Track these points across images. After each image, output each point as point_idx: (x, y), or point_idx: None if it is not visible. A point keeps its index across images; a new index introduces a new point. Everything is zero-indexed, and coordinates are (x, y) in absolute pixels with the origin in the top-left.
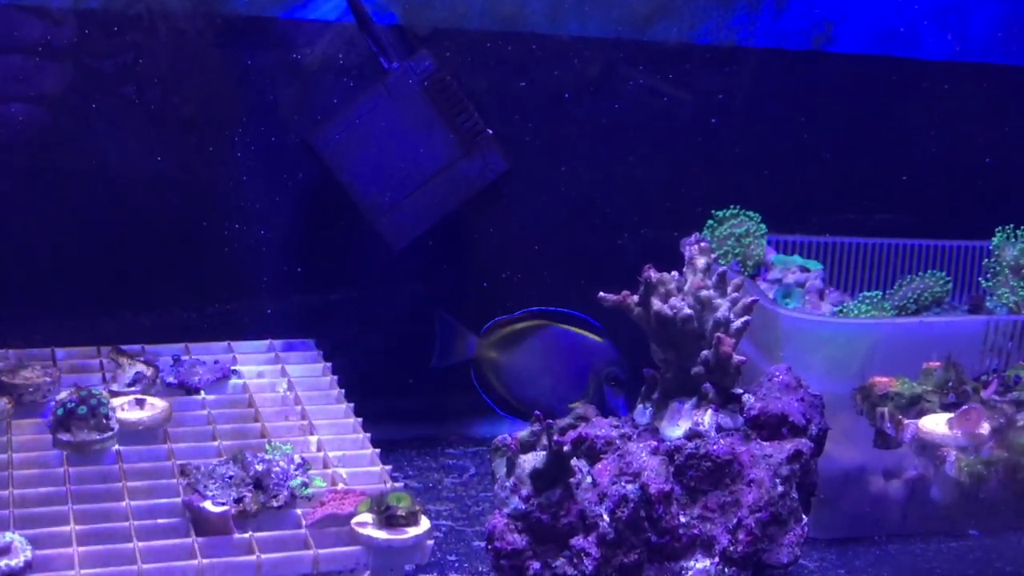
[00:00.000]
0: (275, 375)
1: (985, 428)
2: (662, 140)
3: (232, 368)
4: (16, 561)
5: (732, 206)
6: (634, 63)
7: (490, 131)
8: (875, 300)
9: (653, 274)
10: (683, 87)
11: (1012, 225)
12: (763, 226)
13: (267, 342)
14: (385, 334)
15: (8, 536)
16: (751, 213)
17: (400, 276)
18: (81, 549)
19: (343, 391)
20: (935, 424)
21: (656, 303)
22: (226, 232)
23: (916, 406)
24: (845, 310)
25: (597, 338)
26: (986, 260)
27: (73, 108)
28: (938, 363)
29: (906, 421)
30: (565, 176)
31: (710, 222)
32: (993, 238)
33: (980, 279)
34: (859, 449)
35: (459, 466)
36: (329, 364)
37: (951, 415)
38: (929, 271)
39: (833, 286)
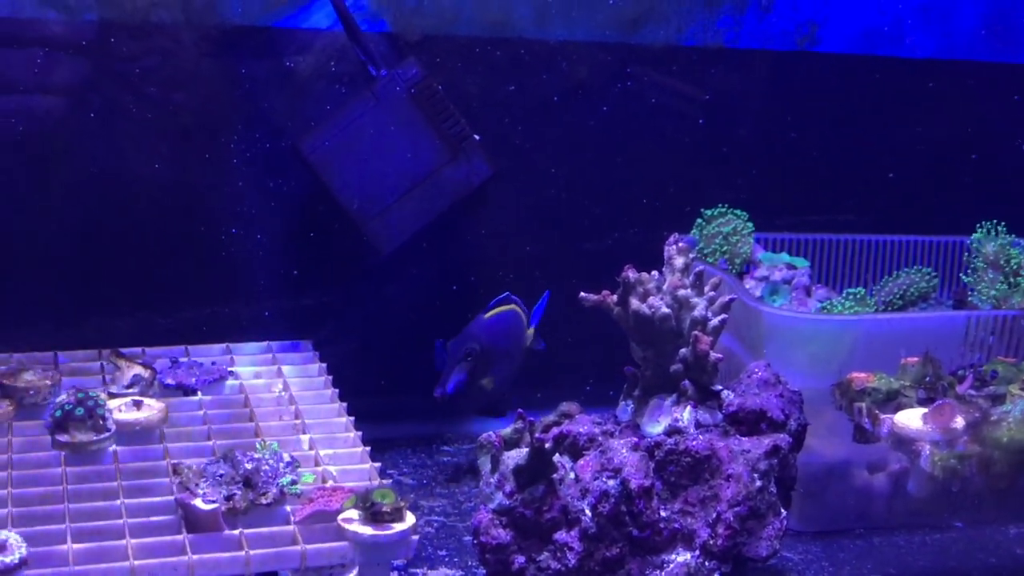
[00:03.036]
0: (271, 376)
1: (959, 423)
2: (650, 141)
3: (229, 369)
4: (11, 558)
5: (720, 205)
6: (621, 66)
7: (476, 136)
8: (859, 296)
9: (632, 274)
10: (670, 89)
11: (993, 220)
12: (750, 224)
13: (265, 344)
14: (380, 334)
15: (3, 534)
16: (738, 211)
17: (393, 277)
18: (76, 546)
19: (337, 391)
20: (910, 419)
21: (635, 302)
22: (223, 237)
23: (893, 401)
24: (829, 307)
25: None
26: (966, 255)
27: (73, 116)
28: (916, 359)
29: (882, 416)
30: (554, 178)
31: (698, 221)
32: (974, 234)
33: (961, 275)
34: (842, 443)
35: (453, 463)
36: (324, 365)
37: (926, 410)
38: (915, 267)
39: (820, 283)
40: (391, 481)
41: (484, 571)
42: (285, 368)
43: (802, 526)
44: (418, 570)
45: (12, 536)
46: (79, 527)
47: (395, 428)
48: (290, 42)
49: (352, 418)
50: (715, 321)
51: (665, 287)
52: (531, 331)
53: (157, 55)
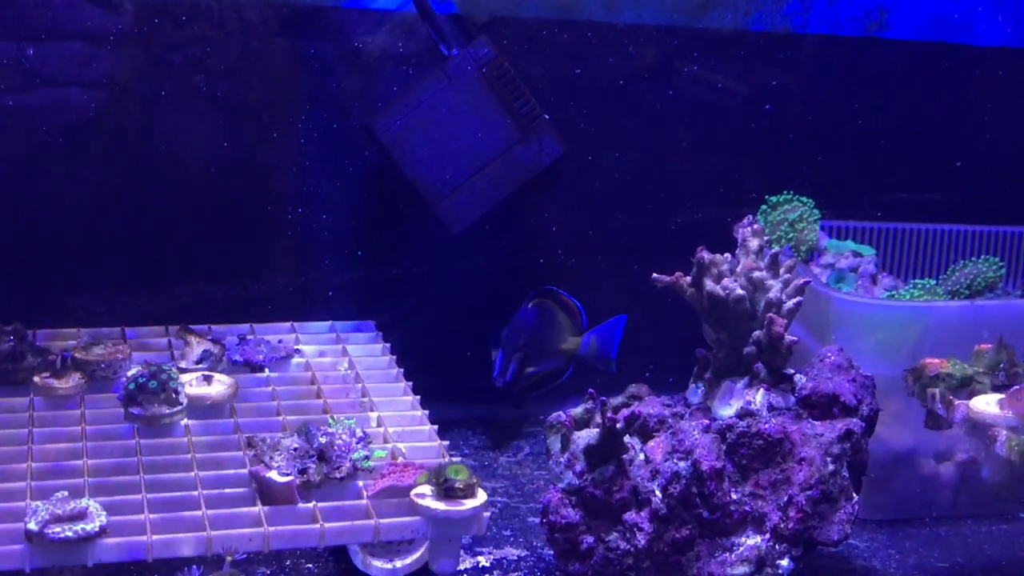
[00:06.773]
0: (336, 355)
1: None
2: (716, 126)
3: (295, 348)
4: (91, 526)
5: (786, 191)
6: (688, 50)
7: (546, 116)
8: (927, 287)
9: (706, 255)
10: (737, 74)
11: None
12: (816, 211)
13: (329, 323)
14: (444, 316)
15: (84, 502)
16: (804, 198)
17: (459, 259)
18: (152, 516)
19: (402, 371)
20: (986, 404)
21: (709, 284)
22: (290, 216)
23: (967, 387)
24: (897, 296)
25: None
26: None
27: (144, 96)
28: (989, 345)
29: (957, 402)
30: (619, 161)
31: (764, 207)
32: None
33: None
34: (910, 432)
35: (514, 445)
36: (389, 345)
37: (1002, 395)
38: (983, 256)
39: (886, 271)
40: (459, 459)
41: (551, 551)
42: (350, 347)
43: (869, 514)
44: (484, 549)
45: (92, 504)
46: (155, 497)
47: (456, 409)
48: (359, 22)
49: (419, 397)
50: (790, 304)
51: (739, 269)
52: (575, 339)
53: (227, 34)
